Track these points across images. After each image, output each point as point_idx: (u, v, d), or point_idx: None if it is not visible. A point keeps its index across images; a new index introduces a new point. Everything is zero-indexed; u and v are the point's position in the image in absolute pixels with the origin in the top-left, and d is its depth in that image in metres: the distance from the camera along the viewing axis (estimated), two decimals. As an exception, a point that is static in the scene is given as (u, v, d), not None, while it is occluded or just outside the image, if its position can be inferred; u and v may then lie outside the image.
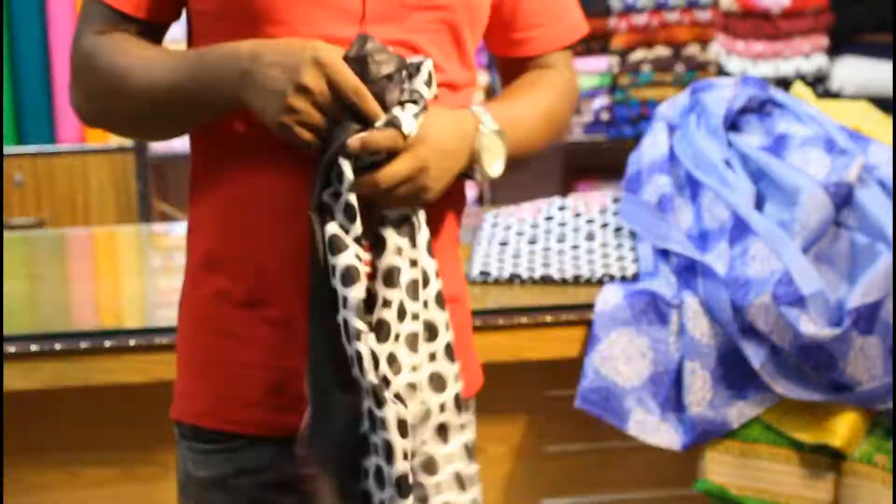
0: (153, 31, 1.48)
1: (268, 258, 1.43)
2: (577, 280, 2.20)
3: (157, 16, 1.47)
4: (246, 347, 1.45)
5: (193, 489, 1.49)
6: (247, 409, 1.45)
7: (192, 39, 1.49)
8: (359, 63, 1.32)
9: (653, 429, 2.06)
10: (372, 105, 1.32)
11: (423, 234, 1.40)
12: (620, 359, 2.08)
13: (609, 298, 2.11)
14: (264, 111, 1.32)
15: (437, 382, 1.41)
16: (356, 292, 1.33)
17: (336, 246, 1.34)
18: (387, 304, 1.36)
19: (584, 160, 4.11)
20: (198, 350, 1.49)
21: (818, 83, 3.78)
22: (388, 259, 1.37)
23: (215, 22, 1.43)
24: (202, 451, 1.48)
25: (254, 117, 1.37)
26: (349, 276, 1.33)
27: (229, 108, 1.40)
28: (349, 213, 1.34)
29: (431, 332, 1.41)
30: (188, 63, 1.39)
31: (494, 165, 1.43)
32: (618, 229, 2.39)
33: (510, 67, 1.61)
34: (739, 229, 2.12)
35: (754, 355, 2.05)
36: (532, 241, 2.40)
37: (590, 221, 2.46)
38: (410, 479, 1.35)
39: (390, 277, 1.37)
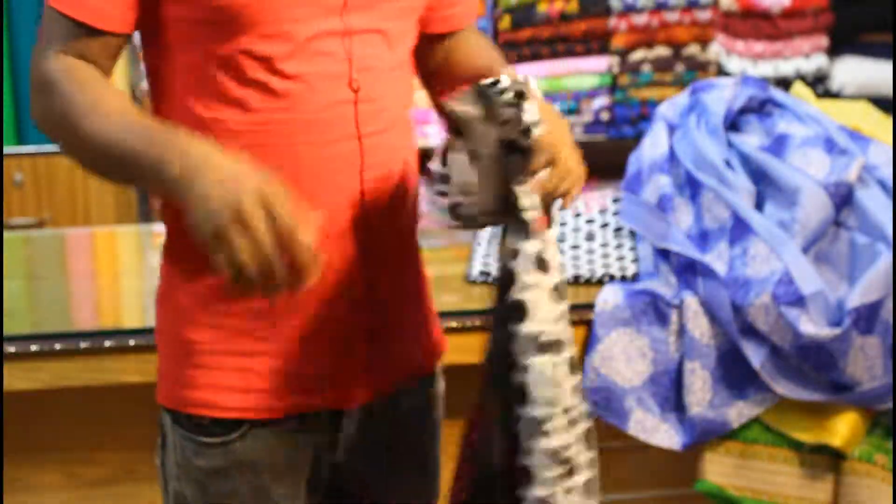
0: (117, 43, 1.43)
1: None
2: (576, 280, 2.20)
3: (124, 27, 1.41)
4: (250, 338, 1.46)
5: (195, 474, 1.50)
6: (248, 395, 1.46)
7: (165, 48, 1.44)
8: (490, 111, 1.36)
9: (653, 429, 2.06)
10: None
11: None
12: (620, 359, 2.08)
13: (609, 298, 2.11)
14: (197, 223, 1.25)
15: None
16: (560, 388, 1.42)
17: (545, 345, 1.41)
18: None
19: (585, 160, 4.10)
20: (197, 340, 1.48)
21: (818, 83, 3.78)
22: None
23: (195, 27, 1.39)
24: (200, 444, 1.49)
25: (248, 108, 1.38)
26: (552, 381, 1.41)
27: (163, 192, 1.35)
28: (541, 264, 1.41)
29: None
30: (139, 132, 1.33)
31: None
32: (618, 229, 2.39)
33: (431, 43, 1.63)
34: (739, 229, 2.12)
35: (754, 355, 2.05)
36: None
37: (590, 221, 2.46)
38: None
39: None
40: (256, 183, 1.24)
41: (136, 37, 1.48)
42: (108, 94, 1.38)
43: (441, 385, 1.66)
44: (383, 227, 1.49)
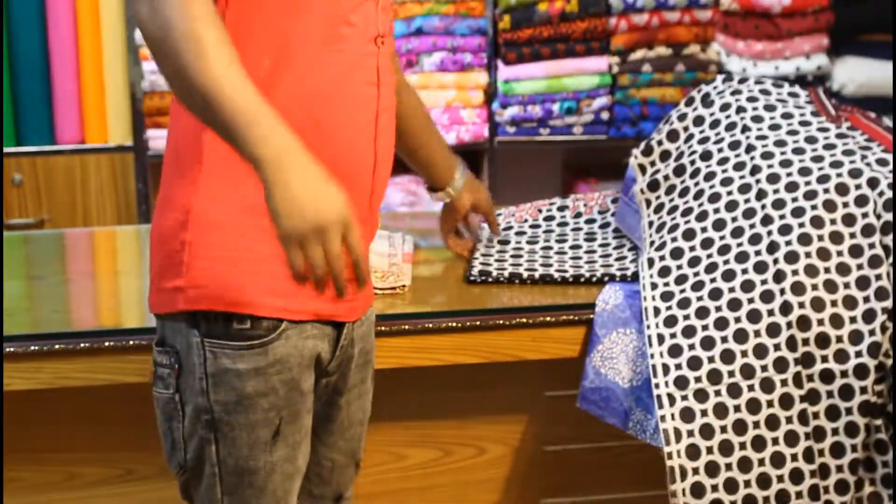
0: None
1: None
2: (577, 280, 2.20)
3: None
4: (281, 248, 1.58)
5: (231, 380, 1.67)
6: (287, 298, 1.67)
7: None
8: None
9: (652, 429, 2.06)
10: None
11: None
12: (621, 359, 2.08)
13: (609, 299, 2.11)
14: (279, 216, 1.50)
15: None
16: None
17: None
18: None
19: (584, 160, 4.10)
20: (229, 252, 1.65)
21: (819, 83, 3.78)
22: None
23: None
24: (239, 348, 1.66)
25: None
26: None
27: (247, 160, 1.52)
28: None
29: None
30: (251, 102, 1.51)
31: None
32: (618, 229, 2.39)
33: None
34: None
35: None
36: (532, 241, 2.40)
37: (590, 221, 2.46)
38: None
39: None
40: (341, 207, 1.50)
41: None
42: (232, 57, 1.53)
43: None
44: (386, 157, 1.76)
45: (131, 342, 1.96)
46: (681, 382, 2.00)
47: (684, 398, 1.99)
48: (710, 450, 1.97)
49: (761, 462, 1.97)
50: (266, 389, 1.68)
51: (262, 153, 1.50)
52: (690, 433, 1.98)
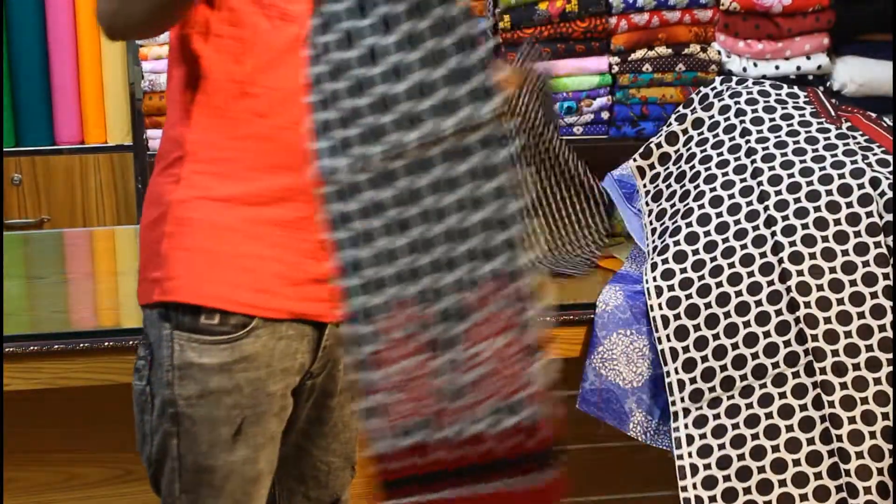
0: None
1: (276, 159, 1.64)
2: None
3: None
4: (262, 243, 1.63)
5: (196, 374, 1.65)
6: (258, 294, 1.65)
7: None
8: None
9: (653, 430, 2.06)
10: None
11: None
12: (621, 360, 2.08)
13: (609, 300, 2.11)
14: None
15: None
16: None
17: None
18: None
19: (585, 160, 4.10)
20: (215, 243, 1.64)
21: (819, 82, 3.78)
22: None
23: None
24: (206, 343, 1.65)
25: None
26: None
27: None
28: None
29: None
30: None
31: None
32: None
33: None
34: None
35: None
36: None
37: None
38: None
39: None
40: None
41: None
42: None
43: None
44: None
45: (131, 342, 1.96)
46: (696, 396, 2.02)
47: (699, 408, 2.01)
48: (721, 446, 1.99)
49: (775, 448, 1.98)
50: (230, 387, 1.66)
51: None
52: (703, 436, 2.00)
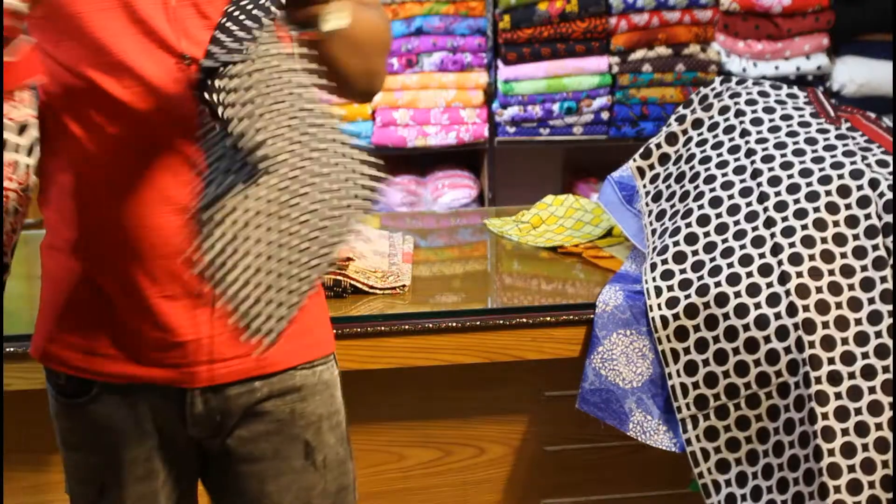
0: None
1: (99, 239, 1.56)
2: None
3: None
4: (99, 304, 1.55)
5: (58, 430, 1.63)
6: (94, 358, 1.56)
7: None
8: None
9: (652, 430, 2.06)
10: None
11: None
12: (621, 360, 2.08)
13: (609, 300, 2.11)
14: None
15: None
16: None
17: None
18: None
19: (584, 160, 4.10)
20: (56, 297, 1.59)
21: (819, 83, 3.78)
22: None
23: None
24: (57, 401, 1.61)
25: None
26: None
27: None
28: None
29: None
30: None
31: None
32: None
33: None
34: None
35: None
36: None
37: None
38: None
39: None
40: None
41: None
42: None
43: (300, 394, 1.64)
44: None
45: (131, 342, 1.96)
46: (701, 402, 2.03)
47: (706, 417, 2.02)
48: (738, 461, 2.01)
49: (780, 467, 1.99)
50: (86, 450, 1.61)
51: None
52: (717, 450, 2.02)
